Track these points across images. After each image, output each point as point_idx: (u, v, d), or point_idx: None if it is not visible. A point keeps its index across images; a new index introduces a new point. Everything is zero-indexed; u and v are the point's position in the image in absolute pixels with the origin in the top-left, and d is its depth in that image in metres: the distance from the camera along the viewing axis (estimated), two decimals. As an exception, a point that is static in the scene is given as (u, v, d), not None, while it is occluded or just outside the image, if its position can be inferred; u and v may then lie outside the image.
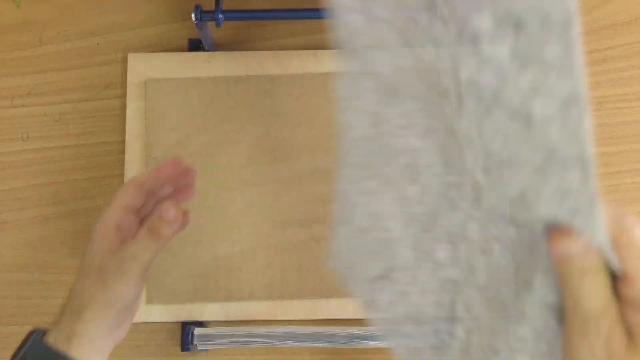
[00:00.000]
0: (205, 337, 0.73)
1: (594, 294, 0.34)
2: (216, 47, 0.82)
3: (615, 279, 0.35)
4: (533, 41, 0.36)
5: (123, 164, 0.78)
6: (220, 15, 0.75)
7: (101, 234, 0.54)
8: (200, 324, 0.76)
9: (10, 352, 0.77)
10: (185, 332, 0.73)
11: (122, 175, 0.78)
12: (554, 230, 0.35)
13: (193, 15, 0.74)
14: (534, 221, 0.37)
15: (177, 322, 0.76)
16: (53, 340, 0.54)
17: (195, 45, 0.81)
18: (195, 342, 0.73)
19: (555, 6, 0.35)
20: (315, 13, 0.78)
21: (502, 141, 0.39)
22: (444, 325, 0.42)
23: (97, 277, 0.53)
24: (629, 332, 0.34)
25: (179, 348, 0.76)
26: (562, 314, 0.37)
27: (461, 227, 0.41)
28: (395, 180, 0.42)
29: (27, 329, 0.78)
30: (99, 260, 0.54)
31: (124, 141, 0.79)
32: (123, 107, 0.80)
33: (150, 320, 0.76)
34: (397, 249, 0.42)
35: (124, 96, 0.80)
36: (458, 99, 0.39)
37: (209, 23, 0.76)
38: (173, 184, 0.60)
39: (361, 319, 0.75)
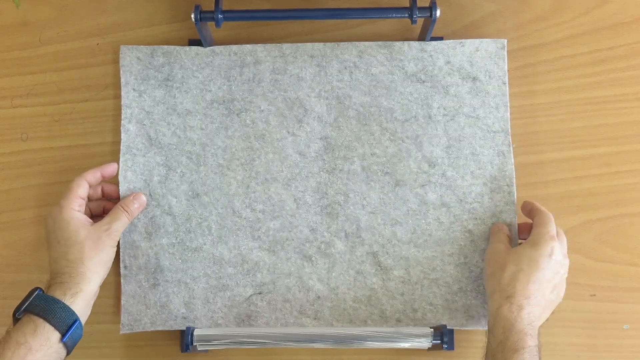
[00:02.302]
0: (205, 338, 0.72)
1: (502, 238, 0.75)
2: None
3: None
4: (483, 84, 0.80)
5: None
6: (219, 16, 0.75)
7: (71, 216, 0.71)
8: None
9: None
10: (185, 332, 0.73)
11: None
12: (496, 224, 0.77)
13: (193, 16, 0.74)
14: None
15: (176, 323, 0.77)
16: (61, 295, 0.67)
17: (195, 46, 0.81)
18: (195, 343, 0.72)
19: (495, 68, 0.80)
20: (314, 14, 0.78)
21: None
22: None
23: (92, 245, 0.70)
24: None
25: (178, 349, 0.77)
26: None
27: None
28: None
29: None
30: (84, 234, 0.71)
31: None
32: (123, 108, 0.80)
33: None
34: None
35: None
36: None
37: (208, 23, 0.76)
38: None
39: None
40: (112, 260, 0.73)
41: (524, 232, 0.76)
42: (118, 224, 0.73)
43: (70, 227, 0.71)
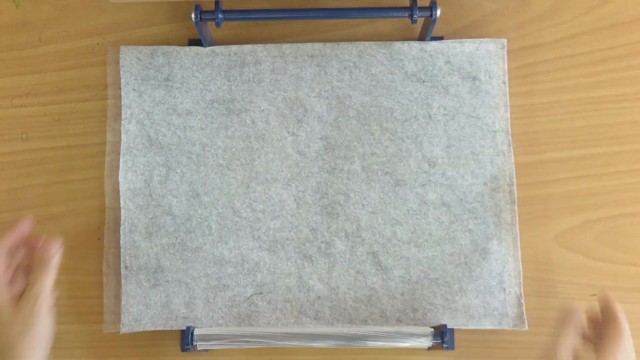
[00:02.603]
0: (205, 337, 0.72)
1: (567, 345, 0.62)
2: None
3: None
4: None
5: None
6: (220, 16, 0.75)
7: None
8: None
9: (10, 352, 0.77)
10: (185, 332, 0.73)
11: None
12: (565, 315, 0.64)
13: (193, 16, 0.74)
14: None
15: (177, 322, 0.77)
16: None
17: (195, 45, 0.81)
18: (195, 342, 0.72)
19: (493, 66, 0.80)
20: (315, 13, 0.78)
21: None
22: None
23: (19, 327, 0.62)
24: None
25: (178, 348, 0.77)
26: None
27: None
28: None
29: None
30: (6, 318, 0.62)
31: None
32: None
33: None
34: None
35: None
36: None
37: (208, 23, 0.76)
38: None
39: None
40: (52, 325, 0.65)
41: (594, 325, 0.66)
42: (42, 285, 0.64)
43: None
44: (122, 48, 0.80)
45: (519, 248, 0.77)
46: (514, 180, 0.78)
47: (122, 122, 0.79)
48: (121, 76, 0.80)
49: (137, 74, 0.80)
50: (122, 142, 0.79)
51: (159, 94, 0.79)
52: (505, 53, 0.80)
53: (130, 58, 0.80)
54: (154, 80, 0.80)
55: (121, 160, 0.78)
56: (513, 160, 0.78)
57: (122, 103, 0.79)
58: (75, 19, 0.83)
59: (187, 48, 0.80)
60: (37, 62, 0.82)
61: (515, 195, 0.77)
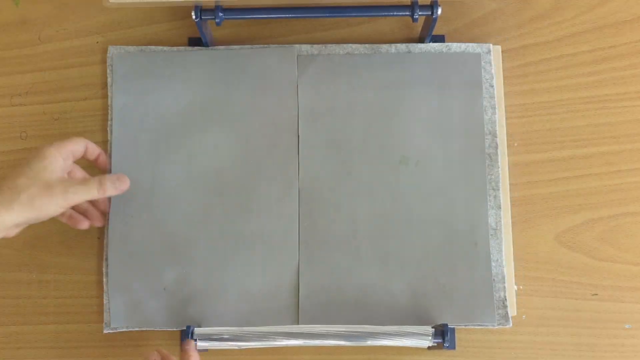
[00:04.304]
0: (205, 337, 0.72)
1: None
2: (216, 45, 0.81)
3: None
4: None
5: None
6: (220, 14, 0.74)
7: (52, 154, 0.69)
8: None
9: (9, 352, 0.78)
10: (185, 332, 0.72)
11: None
12: None
13: (193, 14, 0.74)
14: None
15: (177, 322, 0.76)
16: None
17: (195, 44, 0.81)
18: (195, 338, 0.72)
19: None
20: (315, 12, 0.78)
21: None
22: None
23: (42, 188, 0.67)
24: None
25: (178, 348, 0.76)
26: None
27: None
28: None
29: (26, 329, 0.78)
30: (46, 175, 0.68)
31: (123, 140, 0.79)
32: (123, 106, 0.80)
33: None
34: None
35: (123, 95, 0.80)
36: None
37: (209, 22, 0.76)
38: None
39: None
40: (46, 216, 0.69)
41: None
42: (81, 191, 0.70)
43: (42, 162, 0.69)
44: (119, 48, 0.80)
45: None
46: (499, 185, 0.77)
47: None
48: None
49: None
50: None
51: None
52: (492, 56, 0.79)
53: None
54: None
55: (113, 160, 0.78)
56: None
57: (110, 104, 0.79)
58: (74, 17, 0.83)
59: (183, 48, 0.80)
60: (37, 61, 0.82)
61: (501, 200, 0.77)
